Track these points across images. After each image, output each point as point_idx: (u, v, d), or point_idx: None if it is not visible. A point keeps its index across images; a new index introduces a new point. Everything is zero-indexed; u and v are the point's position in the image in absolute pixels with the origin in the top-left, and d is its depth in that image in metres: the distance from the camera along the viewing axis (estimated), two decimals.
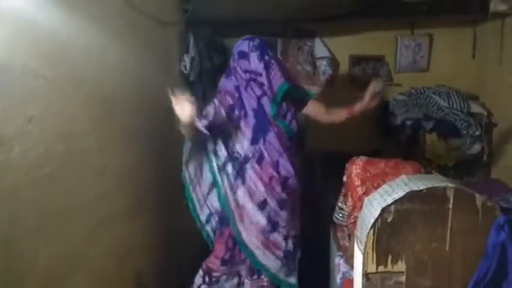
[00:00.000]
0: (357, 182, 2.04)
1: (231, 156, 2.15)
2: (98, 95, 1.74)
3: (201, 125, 1.94)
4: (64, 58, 1.51)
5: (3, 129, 1.20)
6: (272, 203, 2.15)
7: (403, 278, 1.32)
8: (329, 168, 2.51)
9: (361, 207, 1.50)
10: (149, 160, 2.29)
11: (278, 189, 2.15)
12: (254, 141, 2.13)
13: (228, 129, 2.13)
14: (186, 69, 2.64)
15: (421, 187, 1.28)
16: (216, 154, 2.18)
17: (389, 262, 1.31)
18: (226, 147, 2.16)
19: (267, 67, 2.08)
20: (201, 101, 2.76)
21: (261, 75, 2.08)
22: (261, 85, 2.10)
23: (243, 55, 2.11)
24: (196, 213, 2.25)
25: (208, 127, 1.98)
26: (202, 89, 2.78)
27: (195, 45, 2.67)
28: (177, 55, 2.65)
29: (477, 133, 3.12)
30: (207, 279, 2.18)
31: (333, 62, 3.60)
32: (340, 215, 2.31)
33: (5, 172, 1.21)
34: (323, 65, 3.59)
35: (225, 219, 2.20)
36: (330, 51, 3.55)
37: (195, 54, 2.65)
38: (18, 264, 1.27)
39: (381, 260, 1.31)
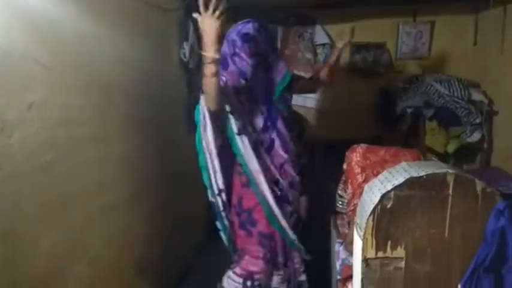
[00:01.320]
0: (357, 170, 2.04)
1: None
2: (98, 83, 1.73)
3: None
4: (63, 45, 1.50)
5: (4, 116, 1.20)
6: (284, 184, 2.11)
7: (402, 264, 1.32)
8: (329, 155, 2.51)
9: (360, 195, 1.50)
10: (150, 148, 2.29)
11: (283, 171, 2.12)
12: (265, 129, 2.05)
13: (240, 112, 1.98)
14: (185, 57, 2.62)
15: (421, 173, 1.28)
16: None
17: (388, 248, 1.31)
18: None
19: (274, 49, 2.04)
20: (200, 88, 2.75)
21: (269, 56, 2.01)
22: (268, 67, 2.02)
23: (249, 38, 1.94)
24: (209, 182, 2.00)
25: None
26: (201, 77, 2.76)
27: (195, 32, 2.64)
28: (177, 42, 2.63)
29: (477, 121, 3.11)
30: (248, 283, 2.07)
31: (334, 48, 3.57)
32: (340, 202, 2.32)
33: (5, 158, 1.21)
34: (323, 52, 3.58)
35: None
36: (331, 38, 3.53)
37: (194, 42, 2.63)
38: (18, 252, 1.28)
39: (380, 246, 1.31)
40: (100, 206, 1.75)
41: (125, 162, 1.99)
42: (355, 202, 1.95)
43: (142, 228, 2.20)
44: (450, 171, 1.27)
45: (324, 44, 3.54)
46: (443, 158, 3.14)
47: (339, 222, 2.28)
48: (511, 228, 1.22)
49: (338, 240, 2.09)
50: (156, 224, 2.39)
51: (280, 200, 2.07)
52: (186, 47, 2.60)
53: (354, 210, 1.84)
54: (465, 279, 1.28)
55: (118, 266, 1.92)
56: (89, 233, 1.67)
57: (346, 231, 2.12)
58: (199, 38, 2.71)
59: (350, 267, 1.67)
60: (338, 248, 2.01)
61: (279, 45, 3.60)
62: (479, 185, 1.27)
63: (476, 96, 3.19)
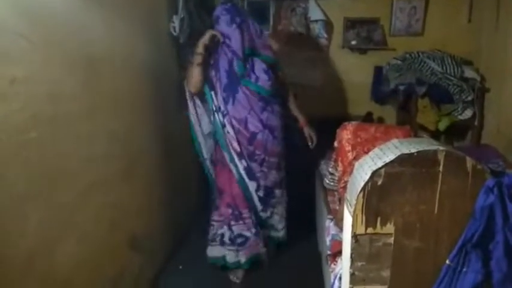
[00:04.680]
0: (348, 148, 2.04)
1: (217, 108, 2.34)
2: (84, 57, 1.68)
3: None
4: (48, 19, 1.45)
5: None
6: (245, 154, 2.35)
7: (391, 240, 1.33)
8: (322, 133, 2.51)
9: (351, 172, 1.50)
10: (142, 123, 2.26)
11: (245, 142, 2.32)
12: (226, 100, 2.29)
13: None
14: (175, 31, 2.55)
15: (412, 150, 1.27)
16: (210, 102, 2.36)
17: (378, 224, 1.32)
18: (213, 99, 2.33)
19: (235, 30, 2.21)
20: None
21: (229, 38, 2.23)
22: (229, 47, 2.24)
23: (216, 19, 2.28)
24: (200, 149, 2.48)
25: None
26: (192, 51, 2.71)
27: (185, 5, 2.57)
28: (166, 16, 2.57)
29: (469, 98, 3.11)
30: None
31: (328, 25, 3.52)
32: (331, 179, 2.33)
33: None
34: (317, 28, 3.52)
35: None
36: (325, 13, 3.47)
37: (184, 15, 2.56)
38: (5, 227, 1.26)
39: (369, 222, 1.32)
40: (91, 182, 1.73)
41: (116, 138, 1.96)
42: (345, 179, 1.96)
43: (135, 202, 2.19)
44: (441, 148, 1.27)
45: (317, 20, 3.48)
46: (435, 135, 3.16)
47: (329, 199, 2.30)
48: (499, 205, 1.23)
49: (328, 216, 2.11)
50: (149, 198, 2.39)
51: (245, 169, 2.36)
52: (176, 21, 2.53)
53: (344, 187, 1.84)
54: (453, 255, 1.30)
55: (110, 242, 1.92)
56: (80, 209, 1.65)
57: (337, 207, 2.13)
58: (189, 11, 2.67)
59: (340, 242, 1.69)
60: (328, 224, 2.03)
61: (271, 20, 3.53)
62: (469, 162, 1.27)
63: (469, 73, 3.18)
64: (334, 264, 1.80)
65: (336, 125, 2.15)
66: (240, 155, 2.32)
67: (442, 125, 3.21)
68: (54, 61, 1.48)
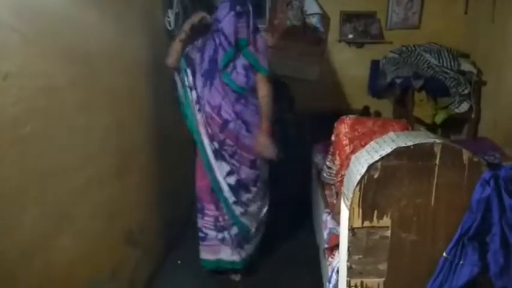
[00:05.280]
0: (345, 141, 2.04)
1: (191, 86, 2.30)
2: (79, 52, 1.67)
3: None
4: (40, 12, 1.43)
5: None
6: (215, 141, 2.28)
7: (388, 233, 1.33)
8: (319, 127, 2.51)
9: (348, 166, 1.50)
10: (137, 118, 2.26)
11: (217, 129, 2.24)
12: (204, 84, 2.25)
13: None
14: (170, 26, 2.54)
15: (409, 143, 1.27)
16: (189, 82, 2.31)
17: (375, 217, 1.32)
18: (188, 76, 2.29)
19: (232, 17, 2.14)
20: None
21: (223, 23, 2.16)
22: (218, 33, 2.18)
23: (215, 9, 2.24)
24: (192, 125, 2.32)
25: None
26: (187, 46, 2.69)
27: (180, 0, 2.56)
28: (161, 11, 2.55)
29: (466, 91, 3.11)
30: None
31: (324, 19, 3.50)
32: (328, 173, 2.33)
33: None
34: (313, 22, 3.49)
35: None
36: (321, 7, 3.45)
37: (179, 10, 2.55)
38: (1, 223, 1.25)
39: (366, 216, 1.32)
40: (87, 177, 1.72)
41: (112, 132, 1.95)
42: (343, 173, 1.96)
43: (132, 197, 2.19)
44: (437, 141, 1.26)
45: (314, 14, 3.45)
46: (431, 128, 3.16)
47: (326, 192, 2.30)
48: (496, 198, 1.23)
49: (326, 210, 2.11)
50: (146, 192, 2.39)
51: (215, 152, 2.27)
52: (171, 16, 2.52)
53: (341, 181, 1.84)
54: (450, 247, 1.30)
55: (107, 237, 1.91)
56: (76, 204, 1.65)
57: (334, 201, 2.14)
58: (184, 6, 2.65)
59: (337, 236, 1.69)
60: (325, 218, 2.03)
61: (267, 14, 3.52)
62: (465, 155, 1.27)
63: (466, 66, 3.18)
64: (332, 258, 1.81)
65: (334, 118, 2.15)
66: (211, 138, 2.26)
67: (439, 119, 3.21)
68: (48, 55, 1.47)
